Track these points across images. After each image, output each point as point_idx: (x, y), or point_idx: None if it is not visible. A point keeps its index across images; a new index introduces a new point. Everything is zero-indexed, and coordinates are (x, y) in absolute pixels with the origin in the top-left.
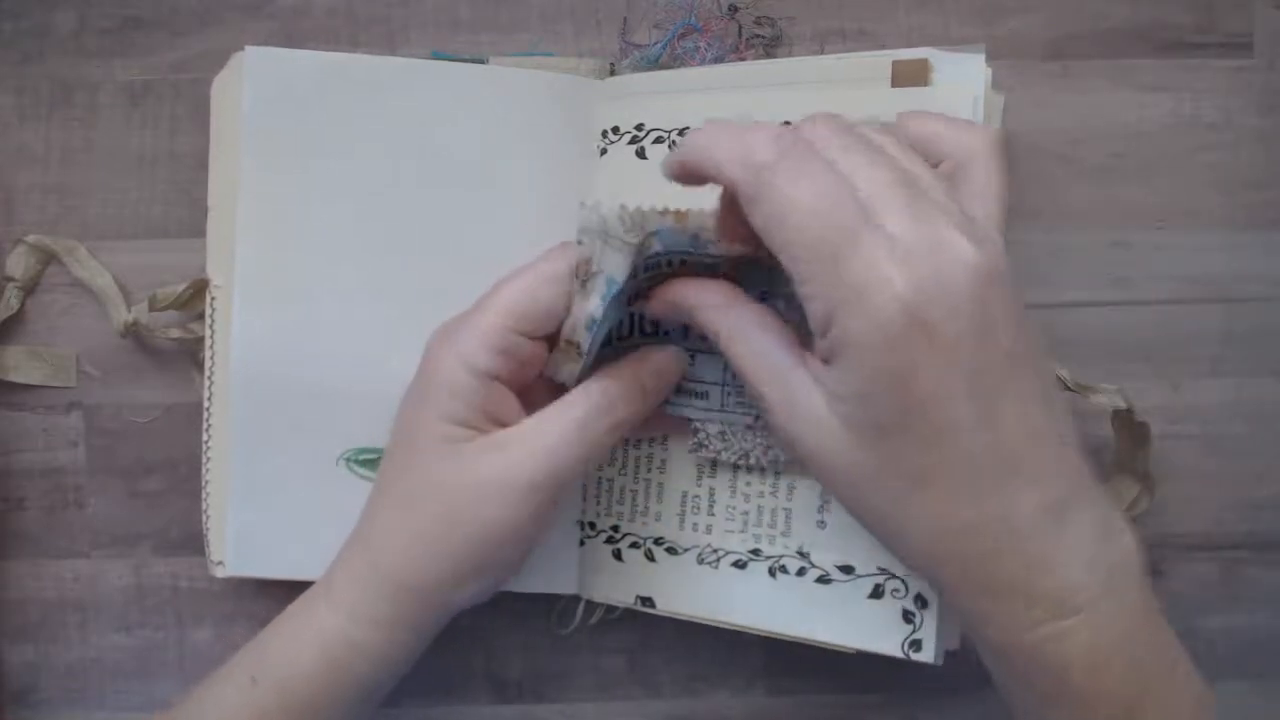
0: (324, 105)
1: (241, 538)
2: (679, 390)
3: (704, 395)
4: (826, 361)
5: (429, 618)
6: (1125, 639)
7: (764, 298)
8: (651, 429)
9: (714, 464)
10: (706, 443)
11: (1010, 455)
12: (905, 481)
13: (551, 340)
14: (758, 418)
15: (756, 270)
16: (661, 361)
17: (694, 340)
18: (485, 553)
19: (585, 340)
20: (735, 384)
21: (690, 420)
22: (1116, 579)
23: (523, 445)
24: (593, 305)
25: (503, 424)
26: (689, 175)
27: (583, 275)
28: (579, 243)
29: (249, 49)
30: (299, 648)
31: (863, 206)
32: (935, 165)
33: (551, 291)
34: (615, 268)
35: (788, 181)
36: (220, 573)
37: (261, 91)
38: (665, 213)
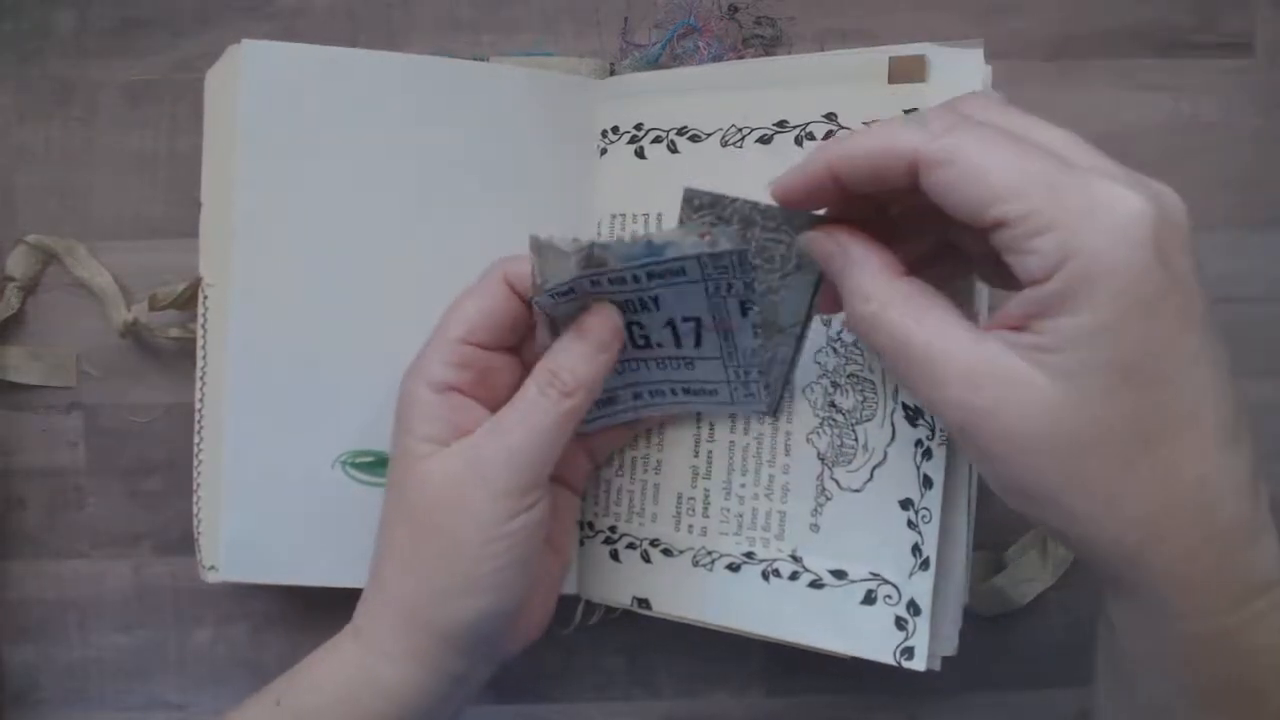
0: (322, 101)
1: (235, 542)
2: (687, 391)
3: (713, 393)
4: (1037, 318)
5: (436, 649)
6: None
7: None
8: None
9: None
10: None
11: (1238, 404)
12: (1139, 437)
13: (514, 351)
14: (768, 401)
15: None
16: (593, 323)
17: (688, 348)
18: (466, 564)
19: None
20: (741, 380)
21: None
22: None
23: (476, 445)
24: (546, 313)
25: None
26: (832, 177)
27: (533, 298)
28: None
29: (246, 42)
30: (323, 677)
31: (1052, 154)
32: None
33: (493, 299)
34: (555, 272)
35: (976, 138)
36: (212, 578)
37: (258, 86)
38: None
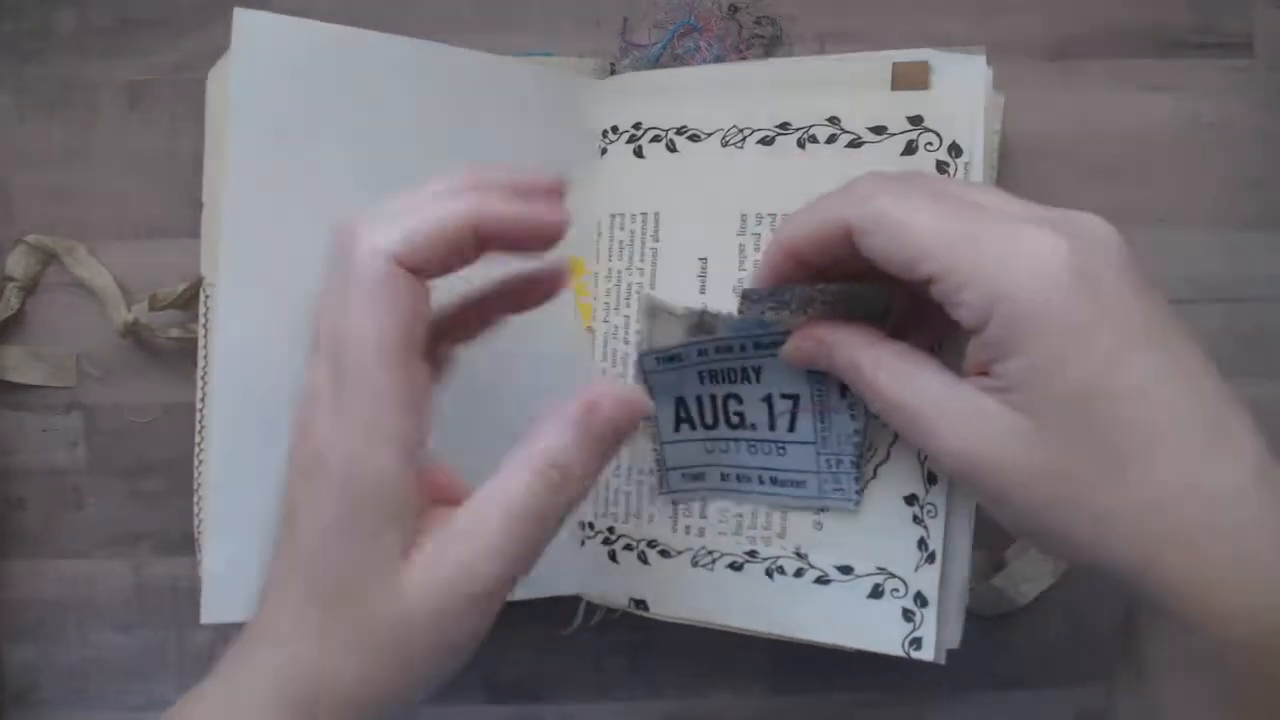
0: (319, 84)
1: (221, 575)
2: (775, 481)
3: (801, 484)
4: (992, 362)
5: None
6: None
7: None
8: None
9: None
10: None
11: (1216, 405)
12: (1114, 455)
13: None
14: (860, 493)
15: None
16: (610, 405)
17: (781, 431)
18: (421, 674)
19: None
20: (831, 471)
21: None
22: None
23: (454, 554)
24: (645, 378)
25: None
26: (791, 258)
27: (639, 356)
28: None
29: (239, 10)
30: None
31: (973, 205)
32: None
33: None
34: (665, 335)
35: (895, 199)
36: (205, 619)
37: (252, 61)
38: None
